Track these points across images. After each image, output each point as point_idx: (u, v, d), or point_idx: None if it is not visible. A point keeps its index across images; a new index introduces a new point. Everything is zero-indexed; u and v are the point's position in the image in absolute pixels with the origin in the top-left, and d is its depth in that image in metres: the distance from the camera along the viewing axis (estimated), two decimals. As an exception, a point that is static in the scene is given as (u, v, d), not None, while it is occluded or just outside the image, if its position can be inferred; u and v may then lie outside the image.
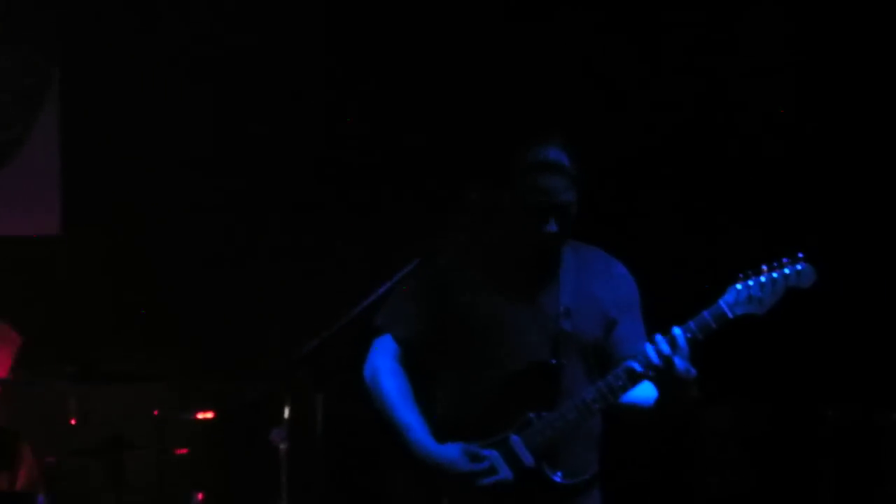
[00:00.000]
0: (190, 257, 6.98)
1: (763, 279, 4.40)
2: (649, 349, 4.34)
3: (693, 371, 4.30)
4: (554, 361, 4.50)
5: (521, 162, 4.50)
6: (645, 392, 4.52)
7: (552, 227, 4.45)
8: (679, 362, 4.31)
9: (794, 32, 7.00)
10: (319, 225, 6.90)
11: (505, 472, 4.46)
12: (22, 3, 7.30)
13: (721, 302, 4.35)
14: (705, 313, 4.33)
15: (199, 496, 6.36)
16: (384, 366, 4.67)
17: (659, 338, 4.32)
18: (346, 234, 6.69)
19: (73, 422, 6.31)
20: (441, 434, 4.57)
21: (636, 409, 4.58)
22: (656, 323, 4.54)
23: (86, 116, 7.13)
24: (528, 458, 4.43)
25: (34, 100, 7.34)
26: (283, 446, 5.77)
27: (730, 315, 4.35)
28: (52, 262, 7.04)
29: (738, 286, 4.38)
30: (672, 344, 4.30)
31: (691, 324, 4.31)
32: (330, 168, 6.98)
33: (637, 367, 4.40)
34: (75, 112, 7.16)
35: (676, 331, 4.29)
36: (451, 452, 4.53)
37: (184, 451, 6.57)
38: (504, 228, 4.66)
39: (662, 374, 4.35)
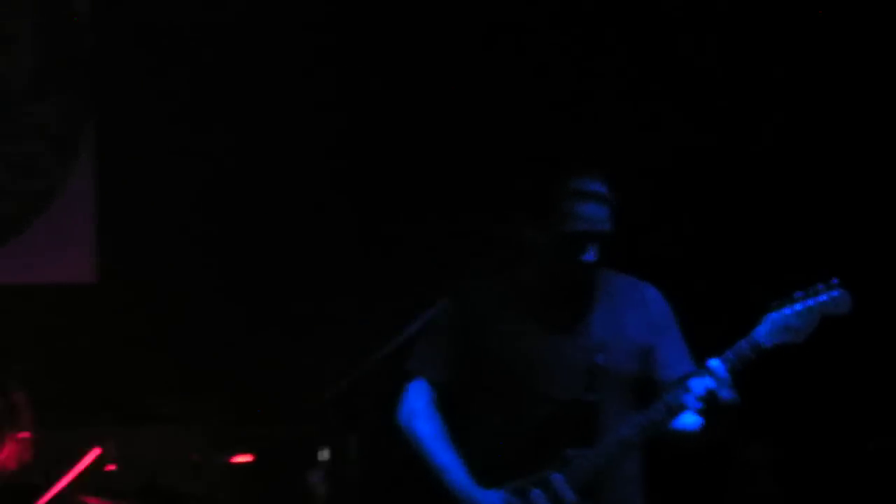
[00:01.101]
0: (224, 302, 7.00)
1: (798, 307, 4.43)
2: (693, 384, 4.42)
3: (737, 398, 4.42)
4: (590, 397, 4.57)
5: (561, 191, 4.59)
6: (687, 418, 4.57)
7: (591, 255, 4.52)
8: (723, 392, 4.39)
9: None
10: (348, 264, 6.94)
11: None
12: (58, 52, 7.31)
13: (757, 332, 4.40)
14: (742, 343, 4.39)
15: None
16: (419, 409, 4.76)
17: (699, 374, 4.44)
18: (374, 275, 6.73)
19: (110, 468, 6.24)
20: (478, 474, 4.64)
21: (680, 436, 4.66)
22: (693, 351, 4.72)
23: (121, 164, 7.17)
24: (570, 496, 4.48)
25: (70, 148, 7.27)
26: (320, 489, 5.49)
27: (767, 345, 4.39)
28: (88, 309, 7.00)
29: (774, 315, 4.41)
30: (713, 376, 4.39)
31: (729, 354, 4.37)
32: (359, 209, 7.03)
33: (678, 401, 4.48)
34: (111, 159, 7.21)
35: (715, 363, 4.36)
36: (493, 497, 4.60)
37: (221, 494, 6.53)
38: (538, 261, 4.69)
39: (708, 406, 4.44)
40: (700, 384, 4.44)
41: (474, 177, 6.74)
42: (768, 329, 4.47)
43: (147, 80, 7.06)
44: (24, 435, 6.06)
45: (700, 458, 5.64)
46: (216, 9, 7.05)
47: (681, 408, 4.52)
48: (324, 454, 5.53)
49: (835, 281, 4.41)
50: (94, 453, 6.18)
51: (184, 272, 7.06)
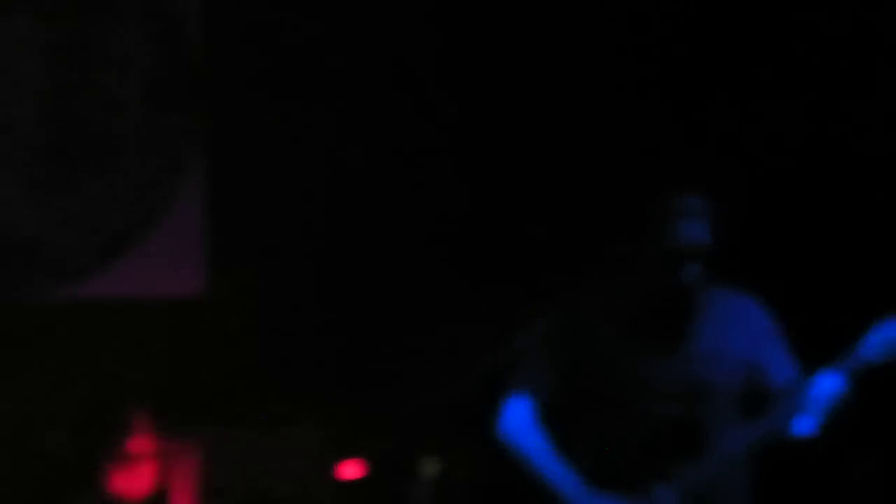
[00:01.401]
0: (335, 314, 7.03)
1: (884, 335, 4.48)
2: (803, 393, 4.56)
3: (848, 398, 4.49)
4: (696, 413, 4.59)
5: (661, 209, 4.62)
6: (798, 426, 4.62)
7: (693, 271, 4.54)
8: (830, 403, 4.49)
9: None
10: (459, 277, 6.95)
11: None
12: (170, 73, 7.35)
13: (865, 346, 4.47)
14: (852, 355, 4.47)
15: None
16: (524, 424, 4.78)
17: (807, 384, 4.55)
18: (483, 287, 6.72)
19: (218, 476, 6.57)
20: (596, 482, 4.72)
21: (789, 445, 4.66)
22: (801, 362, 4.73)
23: (231, 179, 7.23)
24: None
25: (181, 164, 7.41)
26: (427, 501, 6.26)
27: (875, 361, 4.45)
28: (198, 322, 7.07)
29: (883, 329, 4.45)
30: (821, 387, 4.48)
31: (839, 365, 4.50)
32: (470, 223, 7.03)
33: (784, 412, 4.59)
34: (221, 175, 7.25)
35: (825, 374, 4.49)
36: (613, 501, 4.64)
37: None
38: (640, 278, 4.71)
39: (818, 414, 4.53)
40: (810, 393, 4.55)
41: (578, 193, 6.77)
42: (875, 343, 4.50)
43: (256, 98, 7.15)
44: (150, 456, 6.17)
45: (811, 470, 5.79)
46: (322, 18, 7.11)
47: (786, 419, 4.56)
48: (431, 466, 6.31)
49: None
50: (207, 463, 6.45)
51: (292, 284, 7.13)
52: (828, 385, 4.47)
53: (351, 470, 6.69)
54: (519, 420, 4.85)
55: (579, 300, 4.88)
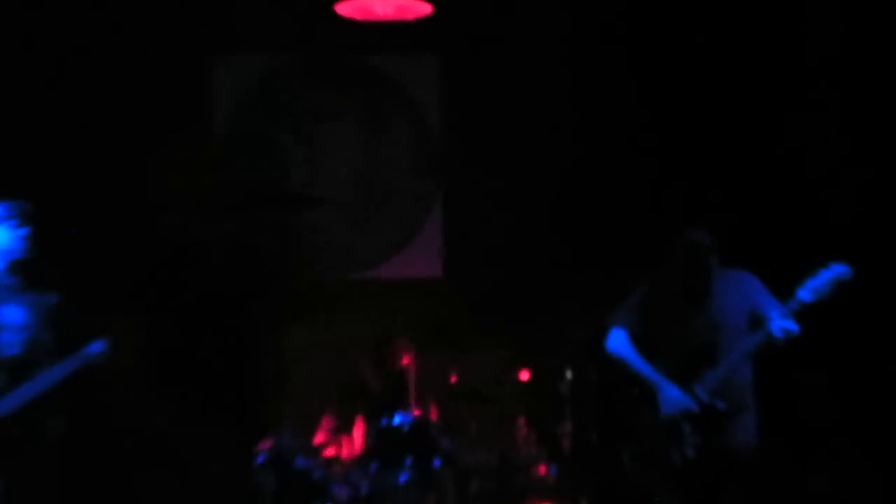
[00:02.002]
0: (516, 286, 7.09)
1: (825, 275, 4.64)
2: (780, 311, 4.66)
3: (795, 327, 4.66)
4: (715, 340, 4.81)
5: (686, 240, 4.96)
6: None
7: (709, 265, 4.88)
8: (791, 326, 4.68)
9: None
10: (587, 270, 6.86)
11: (693, 405, 4.79)
12: (423, 145, 7.49)
13: (802, 292, 4.64)
14: (801, 296, 4.63)
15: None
16: (622, 343, 5.03)
17: (782, 317, 4.65)
18: (601, 275, 6.49)
19: (453, 380, 6.82)
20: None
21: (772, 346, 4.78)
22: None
23: (457, 210, 7.49)
24: (704, 397, 4.79)
25: (428, 202, 7.59)
26: (567, 392, 6.53)
27: (809, 299, 4.62)
28: (437, 292, 7.34)
29: (812, 282, 4.63)
30: (789, 308, 4.63)
31: (790, 305, 4.65)
32: (617, 227, 6.93)
33: (767, 336, 4.68)
34: (451, 207, 7.51)
35: (786, 308, 4.67)
36: (676, 389, 4.81)
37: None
38: (678, 269, 4.95)
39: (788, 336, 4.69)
40: (784, 310, 4.66)
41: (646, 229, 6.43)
42: (807, 292, 4.64)
43: (470, 161, 7.37)
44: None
45: (782, 378, 5.39)
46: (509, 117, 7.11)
47: (771, 335, 4.66)
48: (571, 373, 6.46)
49: (843, 264, 4.62)
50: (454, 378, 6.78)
51: (489, 270, 7.18)
52: (785, 309, 4.65)
53: (524, 375, 6.87)
54: (618, 341, 5.06)
55: (652, 281, 5.09)
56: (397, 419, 6.24)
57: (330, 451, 6.34)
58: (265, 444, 6.01)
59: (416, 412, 6.39)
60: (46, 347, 5.05)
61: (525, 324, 6.94)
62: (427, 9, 6.14)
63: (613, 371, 5.05)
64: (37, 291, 5.03)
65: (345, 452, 6.37)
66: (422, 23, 6.31)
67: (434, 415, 6.55)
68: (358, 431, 6.44)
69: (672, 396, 4.79)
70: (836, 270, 4.63)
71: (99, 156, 6.68)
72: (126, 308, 4.44)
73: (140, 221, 6.63)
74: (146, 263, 5.85)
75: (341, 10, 6.12)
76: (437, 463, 6.17)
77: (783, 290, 4.77)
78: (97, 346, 4.95)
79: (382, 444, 6.21)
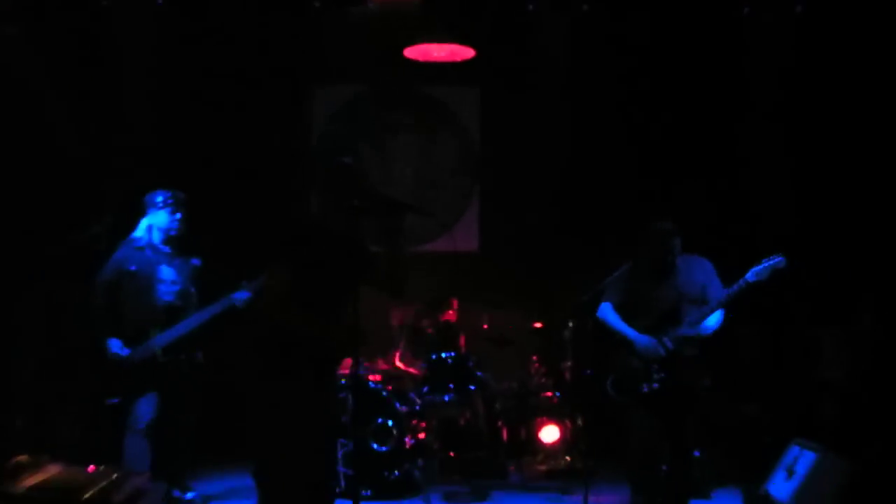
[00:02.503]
0: (537, 263, 7.15)
1: (764, 263, 4.72)
2: (725, 293, 4.73)
3: (743, 298, 4.71)
4: (678, 307, 4.97)
5: (657, 229, 5.05)
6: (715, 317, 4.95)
7: (674, 249, 4.98)
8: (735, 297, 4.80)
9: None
10: (587, 248, 6.91)
11: (662, 351, 4.93)
12: (465, 151, 7.50)
13: (747, 275, 4.75)
14: (742, 280, 4.73)
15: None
16: (610, 311, 5.18)
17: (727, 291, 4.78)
18: (598, 251, 6.56)
19: (485, 328, 7.01)
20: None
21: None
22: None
23: (490, 201, 7.63)
24: (670, 345, 4.96)
25: (467, 188, 7.62)
26: (569, 339, 6.59)
27: (752, 280, 4.73)
28: (474, 263, 7.42)
29: (756, 268, 4.74)
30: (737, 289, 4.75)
31: (739, 283, 4.72)
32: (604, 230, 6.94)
33: (717, 304, 4.83)
34: (486, 199, 7.63)
35: (731, 289, 4.77)
36: (648, 339, 4.94)
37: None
38: (653, 251, 5.02)
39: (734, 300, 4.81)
40: (728, 292, 4.78)
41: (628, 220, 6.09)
42: (753, 274, 4.73)
43: (502, 164, 7.48)
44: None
45: (724, 336, 5.26)
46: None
47: (718, 307, 4.84)
48: (571, 325, 6.38)
49: (780, 255, 4.73)
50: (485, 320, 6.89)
51: (517, 247, 7.36)
52: (730, 290, 4.76)
53: (538, 325, 7.02)
54: (604, 311, 5.21)
55: (633, 260, 5.15)
56: (444, 355, 6.43)
57: (395, 376, 6.47)
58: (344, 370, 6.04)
59: (459, 351, 6.53)
60: (191, 298, 5.42)
61: (539, 287, 7.10)
62: (471, 53, 6.41)
63: (601, 329, 5.21)
64: (184, 257, 5.39)
65: (406, 378, 6.50)
66: (466, 63, 6.52)
67: (471, 353, 6.60)
68: (417, 363, 6.61)
69: (646, 345, 4.98)
70: (774, 260, 4.72)
71: (234, 158, 6.93)
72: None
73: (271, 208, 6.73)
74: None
75: (408, 53, 6.39)
76: (472, 388, 6.37)
77: (732, 272, 4.88)
78: (240, 295, 5.17)
79: (433, 373, 6.42)
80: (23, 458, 3.83)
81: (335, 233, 3.80)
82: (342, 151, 7.08)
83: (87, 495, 3.64)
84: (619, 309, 5.13)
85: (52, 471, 3.87)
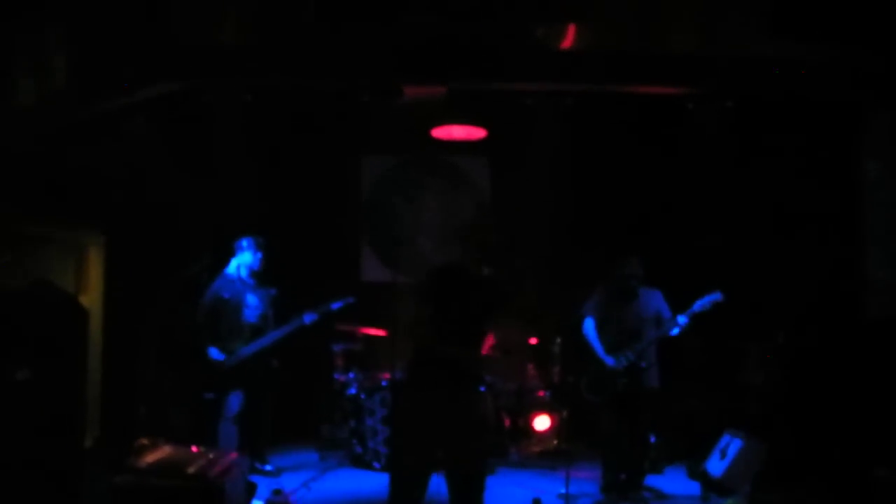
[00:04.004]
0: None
1: (704, 300, 4.87)
2: (674, 322, 4.85)
3: (688, 323, 4.82)
4: (639, 327, 5.07)
5: (622, 264, 5.12)
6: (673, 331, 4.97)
7: (634, 282, 5.04)
8: (680, 327, 4.95)
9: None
10: (579, 265, 6.51)
11: (625, 363, 5.02)
12: (466, 209, 7.46)
13: (692, 308, 4.90)
14: (687, 312, 4.86)
15: None
16: (591, 328, 5.20)
17: (678, 318, 4.89)
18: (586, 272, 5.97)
19: (492, 340, 6.25)
20: (606, 351, 5.16)
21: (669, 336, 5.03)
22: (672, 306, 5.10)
23: (501, 225, 7.29)
24: (631, 357, 5.03)
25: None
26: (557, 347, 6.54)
27: (698, 310, 4.87)
28: None
29: (700, 301, 4.90)
30: (682, 322, 4.92)
31: (683, 316, 4.84)
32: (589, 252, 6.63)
33: (670, 327, 4.91)
34: (495, 223, 7.50)
35: (680, 318, 4.90)
36: (612, 359, 5.07)
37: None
38: (619, 282, 5.13)
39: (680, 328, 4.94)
40: (676, 321, 4.92)
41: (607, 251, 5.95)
42: (695, 308, 4.91)
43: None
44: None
45: (678, 349, 5.31)
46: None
47: (668, 329, 4.96)
48: (559, 340, 6.29)
49: (717, 292, 4.85)
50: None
51: (522, 276, 6.77)
52: (680, 318, 4.92)
53: (533, 340, 6.68)
54: (589, 326, 5.22)
55: (604, 287, 5.24)
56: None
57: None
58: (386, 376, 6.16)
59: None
60: (269, 319, 5.59)
61: (535, 310, 6.77)
62: (483, 133, 6.51)
63: (582, 342, 5.21)
64: (264, 288, 5.60)
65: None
66: (481, 141, 6.63)
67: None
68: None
69: (610, 365, 4.95)
70: (714, 295, 4.81)
71: (304, 211, 6.92)
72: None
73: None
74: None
75: (435, 133, 6.51)
76: (482, 388, 5.49)
77: (680, 302, 4.97)
78: (308, 318, 5.37)
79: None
80: (144, 440, 4.05)
81: (467, 278, 3.86)
82: (384, 207, 7.51)
83: (191, 469, 3.86)
84: (598, 326, 5.11)
85: (165, 450, 4.07)
